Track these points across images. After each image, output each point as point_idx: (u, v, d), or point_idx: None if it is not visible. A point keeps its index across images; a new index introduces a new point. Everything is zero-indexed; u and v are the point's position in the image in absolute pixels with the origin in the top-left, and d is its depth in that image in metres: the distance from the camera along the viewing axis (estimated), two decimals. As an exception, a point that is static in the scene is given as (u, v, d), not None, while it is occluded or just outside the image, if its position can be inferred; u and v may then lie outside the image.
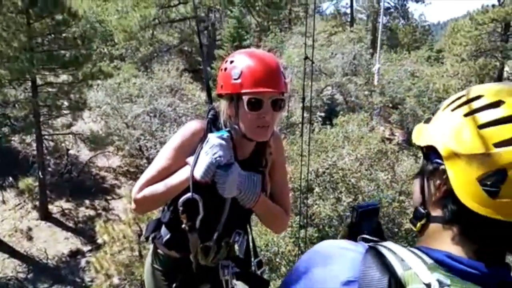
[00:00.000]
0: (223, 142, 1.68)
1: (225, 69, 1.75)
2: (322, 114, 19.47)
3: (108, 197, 18.50)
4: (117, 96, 18.76)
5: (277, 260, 9.68)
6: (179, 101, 19.44)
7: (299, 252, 7.21)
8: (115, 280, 11.49)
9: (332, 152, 11.64)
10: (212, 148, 1.67)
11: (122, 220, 11.37)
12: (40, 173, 16.07)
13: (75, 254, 15.86)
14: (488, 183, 0.84)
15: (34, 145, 17.05)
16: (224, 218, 1.87)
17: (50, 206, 17.16)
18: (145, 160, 18.98)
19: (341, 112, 17.04)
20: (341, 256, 0.91)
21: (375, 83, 17.80)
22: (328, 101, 20.98)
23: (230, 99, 1.74)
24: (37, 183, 16.11)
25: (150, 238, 2.16)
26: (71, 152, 19.05)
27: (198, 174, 1.68)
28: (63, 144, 18.82)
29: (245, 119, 1.72)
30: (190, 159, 1.72)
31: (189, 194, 1.70)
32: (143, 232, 10.21)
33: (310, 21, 10.09)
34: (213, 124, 1.83)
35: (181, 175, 1.75)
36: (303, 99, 4.50)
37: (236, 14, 23.96)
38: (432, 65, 26.51)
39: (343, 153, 11.52)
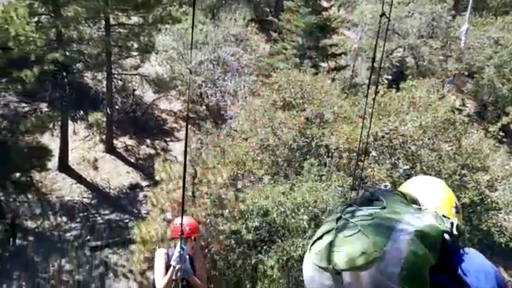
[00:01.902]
0: (182, 252, 4.06)
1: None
2: (389, 77, 18.56)
3: (167, 139, 19.32)
4: (183, 41, 19.01)
5: (323, 217, 9.72)
6: (243, 51, 19.34)
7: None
8: (168, 216, 12.20)
9: (395, 116, 11.16)
10: (178, 255, 4.07)
11: (179, 161, 11.85)
12: (108, 109, 17.02)
13: (134, 187, 16.98)
14: None
15: (104, 82, 17.97)
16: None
17: (115, 141, 18.28)
18: (204, 107, 19.41)
19: (410, 77, 16.11)
20: None
21: (462, 45, 16.42)
22: (397, 63, 19.88)
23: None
24: (105, 118, 17.11)
25: None
26: (137, 92, 19.88)
27: (174, 263, 4.09)
28: (130, 84, 19.65)
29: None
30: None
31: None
32: (197, 174, 10.51)
33: (389, -26, 9.36)
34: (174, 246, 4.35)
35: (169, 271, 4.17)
36: (373, 59, 4.25)
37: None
38: (520, 34, 23.97)
39: (406, 119, 11.00)
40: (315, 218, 9.69)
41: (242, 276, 10.82)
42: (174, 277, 4.01)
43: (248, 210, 10.32)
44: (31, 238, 14.10)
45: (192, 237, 4.24)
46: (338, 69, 18.76)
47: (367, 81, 17.04)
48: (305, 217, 9.73)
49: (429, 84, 13.07)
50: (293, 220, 9.66)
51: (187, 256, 4.04)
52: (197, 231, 4.34)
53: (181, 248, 3.87)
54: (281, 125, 11.31)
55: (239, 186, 12.04)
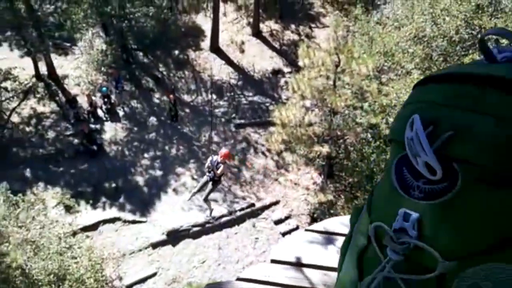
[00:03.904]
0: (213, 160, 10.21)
1: None
2: None
3: (313, 25, 18.73)
4: None
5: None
6: None
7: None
8: (307, 103, 12.40)
9: None
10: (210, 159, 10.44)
11: (322, 48, 11.50)
12: (256, -9, 16.91)
13: (277, 72, 17.41)
14: None
15: (254, -39, 17.59)
16: None
17: (261, 25, 18.46)
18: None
19: None
20: None
21: None
22: None
23: None
24: (252, 0, 17.14)
25: None
26: (285, -27, 19.14)
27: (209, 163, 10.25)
28: (279, -36, 18.91)
29: None
30: None
31: None
32: (341, 63, 10.19)
33: None
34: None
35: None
36: None
37: None
38: None
39: None
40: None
41: (375, 169, 10.81)
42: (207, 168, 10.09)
43: (391, 104, 9.82)
44: (187, 110, 16.00)
45: (224, 158, 9.91)
46: None
47: None
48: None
49: None
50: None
51: (217, 162, 9.86)
52: (226, 158, 10.02)
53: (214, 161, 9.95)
54: (443, 12, 9.86)
55: (384, 79, 11.37)
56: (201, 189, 10.59)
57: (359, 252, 0.63)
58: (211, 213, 12.10)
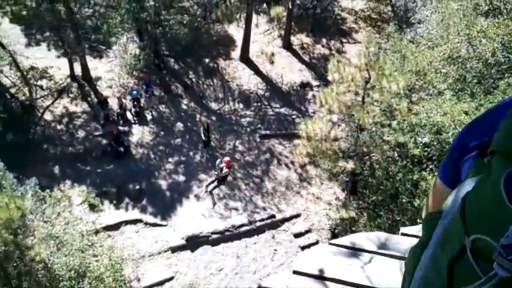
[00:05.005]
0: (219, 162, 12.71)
1: None
2: None
3: (344, 40, 18.70)
4: None
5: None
6: None
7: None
8: (334, 117, 12.33)
9: None
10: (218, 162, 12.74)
11: (353, 64, 11.46)
12: (289, 4, 17.05)
13: (305, 85, 17.41)
14: None
15: (289, -25, 17.75)
16: None
17: (292, 37, 18.57)
18: (389, 8, 17.78)
19: None
20: None
21: None
22: None
23: None
24: (285, 13, 17.27)
25: None
26: (319, -13, 19.23)
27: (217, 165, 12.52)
28: (313, -21, 19.03)
29: None
30: None
31: None
32: (371, 79, 10.11)
33: None
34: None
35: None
36: None
37: None
38: None
39: None
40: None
41: (400, 189, 10.60)
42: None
43: (420, 124, 9.65)
44: (213, 118, 16.17)
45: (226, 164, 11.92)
46: None
47: None
48: (487, 142, 8.63)
49: None
50: (471, 143, 8.68)
51: (222, 166, 11.97)
52: (227, 164, 12.02)
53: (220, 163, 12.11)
54: (480, 34, 9.69)
55: (414, 98, 11.20)
56: (212, 184, 13.05)
57: (450, 261, 0.62)
58: (213, 206, 13.20)
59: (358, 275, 3.25)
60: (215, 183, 12.91)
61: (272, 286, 3.19)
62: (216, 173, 12.73)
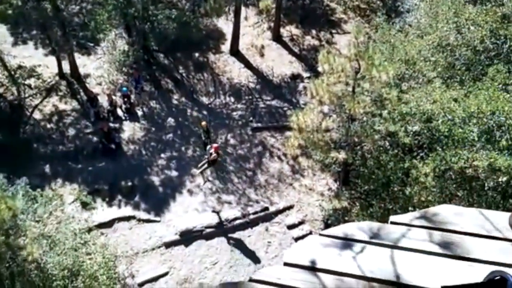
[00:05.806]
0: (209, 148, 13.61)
1: None
2: None
3: (333, 31, 18.65)
4: None
5: (497, 132, 8.53)
6: None
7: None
8: (325, 108, 12.33)
9: None
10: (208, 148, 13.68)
11: (342, 54, 11.43)
12: (277, -4, 16.93)
13: (296, 77, 17.37)
14: None
15: (276, -34, 17.62)
16: None
17: (281, 29, 18.48)
18: (378, -3, 17.75)
19: None
20: None
21: None
22: None
23: None
24: (274, 5, 17.16)
25: None
26: (307, -22, 19.12)
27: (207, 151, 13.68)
28: (301, -31, 18.91)
29: None
30: None
31: None
32: (361, 69, 10.08)
33: None
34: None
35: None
36: None
37: None
38: None
39: None
40: (488, 131, 8.57)
41: (391, 178, 10.65)
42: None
43: (410, 112, 9.68)
44: (205, 112, 16.09)
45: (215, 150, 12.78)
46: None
47: None
48: (476, 129, 8.70)
49: None
50: (460, 130, 8.75)
51: (211, 151, 12.77)
52: (216, 150, 12.88)
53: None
54: (468, 22, 9.71)
55: (404, 87, 11.22)
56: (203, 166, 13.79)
57: None
58: (204, 183, 13.89)
59: (349, 265, 3.25)
60: (206, 165, 13.65)
61: (263, 278, 3.17)
62: (206, 157, 13.52)
